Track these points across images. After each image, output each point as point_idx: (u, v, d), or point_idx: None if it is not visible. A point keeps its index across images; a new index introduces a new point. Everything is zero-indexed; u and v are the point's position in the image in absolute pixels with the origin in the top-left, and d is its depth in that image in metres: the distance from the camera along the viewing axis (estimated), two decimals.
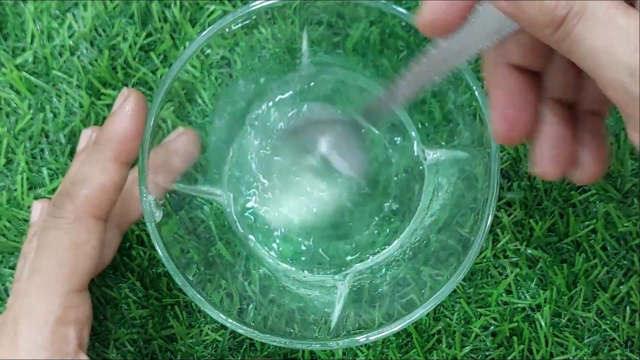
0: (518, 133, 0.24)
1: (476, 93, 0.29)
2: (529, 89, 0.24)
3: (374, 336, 0.28)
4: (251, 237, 0.35)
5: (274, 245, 0.35)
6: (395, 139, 0.35)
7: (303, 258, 0.35)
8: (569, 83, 0.24)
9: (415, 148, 0.35)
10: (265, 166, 0.35)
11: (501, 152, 0.37)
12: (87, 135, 0.35)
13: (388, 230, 0.35)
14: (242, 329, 0.29)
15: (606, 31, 0.19)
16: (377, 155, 0.35)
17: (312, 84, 0.36)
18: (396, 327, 0.28)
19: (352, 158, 0.33)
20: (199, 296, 0.29)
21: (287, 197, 0.35)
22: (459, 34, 0.22)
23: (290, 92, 0.36)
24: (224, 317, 0.29)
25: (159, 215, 0.29)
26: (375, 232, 0.35)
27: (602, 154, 0.24)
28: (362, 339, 0.28)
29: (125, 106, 0.28)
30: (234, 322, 0.29)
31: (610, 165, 0.37)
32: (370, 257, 0.35)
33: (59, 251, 0.27)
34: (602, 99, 0.23)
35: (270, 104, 0.36)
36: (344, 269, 0.35)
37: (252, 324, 0.29)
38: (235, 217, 0.35)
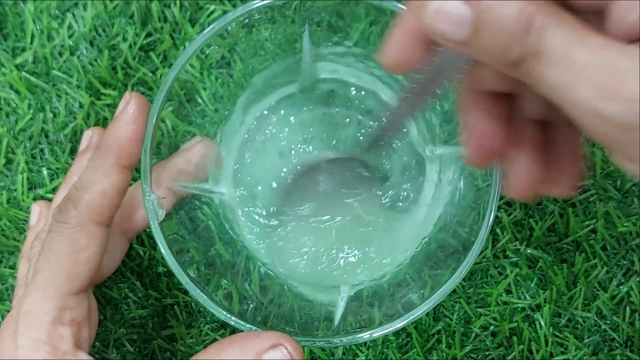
0: (491, 157, 0.23)
1: None
2: (502, 113, 0.23)
3: (377, 333, 0.28)
4: (254, 235, 0.35)
5: (279, 244, 0.35)
6: (396, 139, 0.35)
7: (306, 257, 0.35)
8: (544, 104, 0.23)
9: (416, 147, 0.35)
10: (273, 163, 0.36)
11: None
12: (88, 136, 0.36)
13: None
14: (245, 327, 0.29)
15: (564, 70, 0.17)
16: (380, 155, 0.35)
17: (313, 83, 0.36)
18: (399, 324, 0.28)
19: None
20: (202, 294, 0.29)
21: (293, 198, 0.35)
22: (427, 67, 0.22)
23: (292, 92, 0.36)
24: (227, 315, 0.29)
25: (162, 214, 0.29)
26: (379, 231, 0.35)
27: (576, 168, 0.23)
28: (365, 335, 0.29)
29: (127, 110, 0.28)
30: (237, 320, 0.29)
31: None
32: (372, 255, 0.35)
33: (59, 255, 0.28)
34: None
35: (273, 103, 0.36)
36: (347, 268, 0.35)
37: (254, 323, 0.29)
38: (238, 214, 0.35)
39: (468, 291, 0.36)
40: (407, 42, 0.21)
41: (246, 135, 0.36)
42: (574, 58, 0.17)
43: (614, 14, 0.18)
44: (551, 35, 0.17)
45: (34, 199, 0.38)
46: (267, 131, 0.36)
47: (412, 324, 0.36)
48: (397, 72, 0.22)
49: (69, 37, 0.39)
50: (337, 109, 0.36)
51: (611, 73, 0.17)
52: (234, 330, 0.36)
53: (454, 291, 0.36)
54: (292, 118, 0.36)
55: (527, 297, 0.36)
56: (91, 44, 0.39)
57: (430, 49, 0.21)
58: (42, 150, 0.39)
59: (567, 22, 0.17)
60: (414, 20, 0.20)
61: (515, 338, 0.36)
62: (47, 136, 0.39)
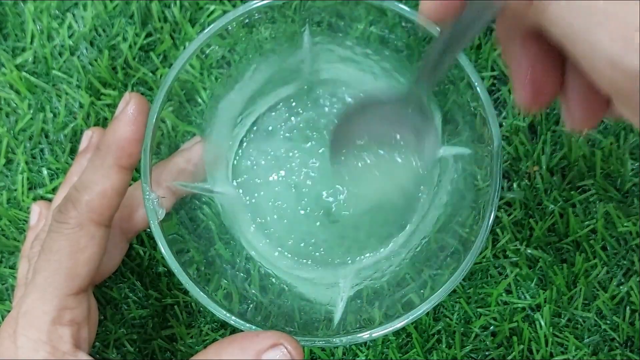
0: (545, 96, 0.23)
1: (477, 89, 0.29)
2: (547, 50, 0.23)
3: (377, 333, 0.28)
4: (253, 231, 0.35)
5: (278, 242, 0.35)
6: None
7: (305, 254, 0.35)
8: None
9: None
10: (273, 163, 0.36)
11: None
12: (88, 136, 0.36)
13: (390, 227, 0.35)
14: (245, 327, 0.29)
15: (584, 13, 0.17)
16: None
17: (313, 83, 0.36)
18: (399, 324, 0.28)
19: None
20: (202, 294, 0.29)
21: (295, 194, 0.35)
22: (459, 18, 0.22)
23: (292, 92, 0.36)
24: (227, 314, 0.29)
25: (162, 213, 0.29)
26: (378, 229, 0.35)
27: None
28: (365, 335, 0.29)
29: (127, 110, 0.29)
30: (237, 319, 0.29)
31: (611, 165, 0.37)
32: (371, 254, 0.35)
33: (59, 255, 0.28)
34: None
35: (273, 103, 0.36)
36: (345, 264, 0.35)
37: (254, 322, 0.29)
38: (237, 212, 0.35)
39: (468, 291, 0.36)
40: None
41: (247, 135, 0.36)
42: (595, 3, 0.17)
43: None
44: None
45: (34, 199, 0.38)
46: (268, 130, 0.36)
47: (412, 324, 0.36)
48: (437, 18, 0.23)
49: (69, 37, 0.39)
50: (337, 109, 0.36)
51: (630, 24, 0.17)
52: (234, 330, 0.36)
53: (454, 291, 0.36)
54: (291, 118, 0.36)
55: (527, 297, 0.36)
56: (91, 44, 0.39)
57: None
58: (42, 150, 0.39)
59: None
60: None
61: (515, 338, 0.36)
62: (47, 136, 0.39)
